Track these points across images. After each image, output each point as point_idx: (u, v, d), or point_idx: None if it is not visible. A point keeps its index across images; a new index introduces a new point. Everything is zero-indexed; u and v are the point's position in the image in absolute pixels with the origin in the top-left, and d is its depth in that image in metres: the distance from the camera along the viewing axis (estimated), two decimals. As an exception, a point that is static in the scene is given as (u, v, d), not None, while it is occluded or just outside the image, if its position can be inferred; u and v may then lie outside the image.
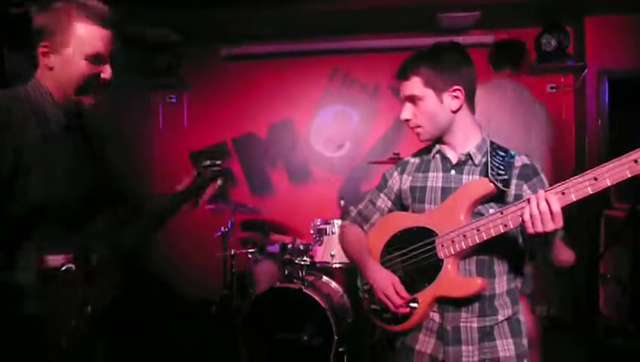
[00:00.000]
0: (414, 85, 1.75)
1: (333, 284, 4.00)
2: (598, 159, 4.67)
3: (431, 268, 1.74)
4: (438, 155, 1.85)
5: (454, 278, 1.71)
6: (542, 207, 1.46)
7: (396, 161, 4.23)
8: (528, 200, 1.50)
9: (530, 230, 1.49)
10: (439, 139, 1.83)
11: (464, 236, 1.66)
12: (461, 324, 1.73)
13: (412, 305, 1.76)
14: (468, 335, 1.72)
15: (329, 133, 5.50)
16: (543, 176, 1.76)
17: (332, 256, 3.88)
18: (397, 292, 1.76)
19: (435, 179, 1.82)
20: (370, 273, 1.85)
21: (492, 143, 1.81)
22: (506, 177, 1.69)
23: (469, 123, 1.80)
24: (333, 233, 3.94)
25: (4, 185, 1.44)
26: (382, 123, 5.42)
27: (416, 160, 1.94)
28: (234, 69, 5.61)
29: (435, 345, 1.77)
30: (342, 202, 4.38)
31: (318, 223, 4.06)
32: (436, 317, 1.77)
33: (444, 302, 1.74)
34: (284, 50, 5.46)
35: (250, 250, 4.34)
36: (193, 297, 5.23)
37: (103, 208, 1.74)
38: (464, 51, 1.80)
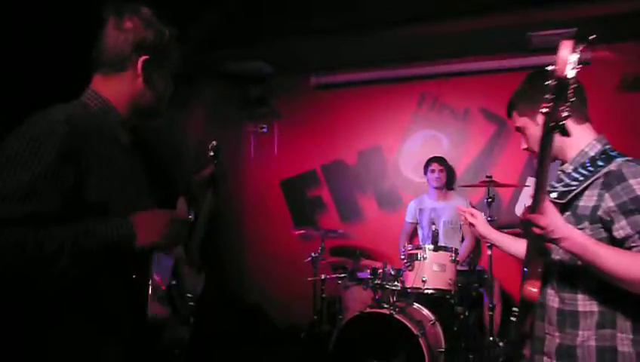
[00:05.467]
0: None
1: (425, 311, 3.87)
2: None
3: None
4: None
5: None
6: None
7: (488, 184, 4.11)
8: None
9: None
10: None
11: None
12: None
13: None
14: None
15: (419, 159, 5.42)
16: None
17: (424, 281, 3.77)
18: None
19: None
20: None
21: None
22: None
23: None
24: (424, 258, 3.84)
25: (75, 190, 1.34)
26: (473, 147, 5.28)
27: None
28: (323, 97, 5.70)
29: None
30: (433, 227, 4.27)
31: (409, 248, 3.98)
32: None
33: None
34: (371, 77, 5.50)
35: (340, 275, 4.32)
36: (283, 322, 5.28)
37: None
38: None
